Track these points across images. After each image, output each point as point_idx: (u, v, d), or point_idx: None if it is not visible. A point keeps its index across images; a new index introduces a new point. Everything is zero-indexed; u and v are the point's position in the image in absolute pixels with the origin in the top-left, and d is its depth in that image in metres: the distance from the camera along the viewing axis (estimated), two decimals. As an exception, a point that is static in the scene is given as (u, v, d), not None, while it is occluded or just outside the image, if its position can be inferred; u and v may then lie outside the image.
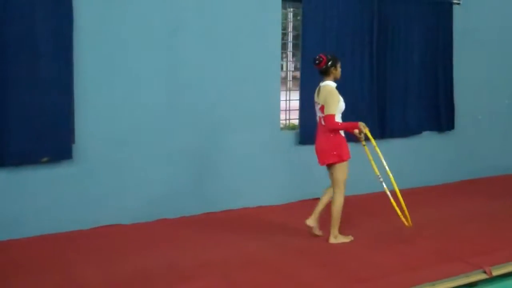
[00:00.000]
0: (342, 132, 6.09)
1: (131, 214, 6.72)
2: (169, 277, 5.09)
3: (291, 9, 8.41)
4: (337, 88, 6.12)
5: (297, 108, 8.08)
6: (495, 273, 5.44)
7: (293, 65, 9.13)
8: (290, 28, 8.54)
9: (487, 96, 9.66)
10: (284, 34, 8.43)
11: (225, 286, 4.93)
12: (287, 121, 8.27)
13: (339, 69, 6.16)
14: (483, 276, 5.37)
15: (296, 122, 8.26)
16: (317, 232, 6.38)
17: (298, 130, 7.99)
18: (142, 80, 6.79)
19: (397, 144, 8.72)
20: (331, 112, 5.91)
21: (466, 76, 9.33)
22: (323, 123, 6.06)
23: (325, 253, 5.85)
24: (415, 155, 8.92)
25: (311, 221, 6.28)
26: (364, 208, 7.62)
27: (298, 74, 8.17)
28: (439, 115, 9.09)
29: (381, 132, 8.50)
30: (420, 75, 8.87)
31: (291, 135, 7.97)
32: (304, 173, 7.95)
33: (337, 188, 6.12)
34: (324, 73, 6.11)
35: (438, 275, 5.18)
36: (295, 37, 8.78)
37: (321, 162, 6.16)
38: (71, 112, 6.35)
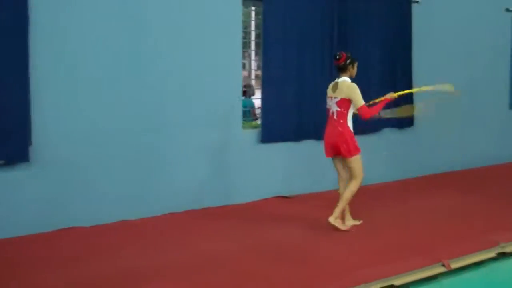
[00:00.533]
0: (351, 127, 6.40)
1: (93, 216, 6.63)
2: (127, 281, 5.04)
3: (253, 8, 8.42)
4: None
5: (259, 106, 8.09)
6: (454, 266, 5.53)
7: (256, 64, 9.14)
8: (252, 27, 8.55)
9: (444, 92, 9.78)
10: (247, 33, 8.45)
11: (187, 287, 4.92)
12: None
13: (355, 68, 6.54)
14: (442, 269, 5.44)
15: (258, 120, 8.27)
16: (353, 222, 6.65)
17: (260, 129, 7.98)
18: (103, 79, 6.70)
19: (358, 141, 8.76)
20: (362, 103, 6.31)
21: (425, 73, 9.44)
22: (335, 117, 6.40)
23: (290, 250, 5.87)
24: (375, 152, 8.99)
25: (333, 219, 6.41)
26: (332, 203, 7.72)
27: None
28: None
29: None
30: (380, 72, 8.96)
31: (253, 134, 7.97)
32: (267, 172, 7.98)
33: (356, 177, 6.45)
34: (342, 70, 6.45)
35: (397, 270, 5.23)
36: (258, 36, 8.79)
37: (338, 153, 6.47)
38: (27, 112, 6.17)
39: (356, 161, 6.44)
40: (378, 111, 6.49)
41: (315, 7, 8.18)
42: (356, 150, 6.43)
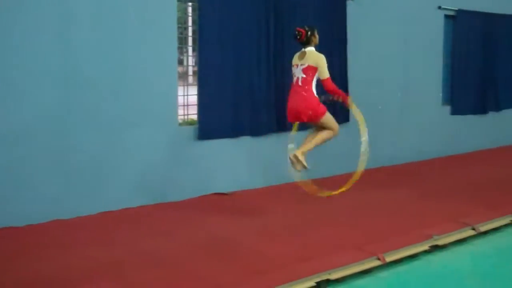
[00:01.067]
0: (315, 93, 6.68)
1: (26, 216, 6.44)
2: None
3: (190, 4, 8.34)
4: None
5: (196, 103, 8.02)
6: (389, 259, 5.61)
7: (193, 60, 9.06)
8: (190, 23, 8.47)
9: (379, 89, 9.95)
10: (184, 29, 8.37)
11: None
12: (186, 117, 8.19)
13: (317, 36, 6.80)
14: (377, 263, 5.52)
15: (195, 117, 8.18)
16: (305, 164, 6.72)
17: (197, 126, 7.91)
18: (34, 77, 6.51)
19: (295, 137, 8.82)
20: (328, 75, 6.64)
21: (359, 70, 9.57)
22: (300, 83, 6.64)
23: (226, 246, 5.85)
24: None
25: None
26: (276, 197, 7.86)
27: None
28: (335, 108, 9.25)
29: (279, 125, 8.57)
30: (317, 69, 9.00)
31: (190, 131, 7.90)
32: (204, 168, 7.93)
33: (331, 129, 6.82)
34: (307, 43, 6.71)
35: (333, 264, 5.28)
36: (195, 32, 8.71)
37: (306, 119, 6.68)
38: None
39: (327, 118, 6.72)
40: (339, 92, 6.82)
41: (251, 3, 8.16)
42: (323, 109, 6.68)
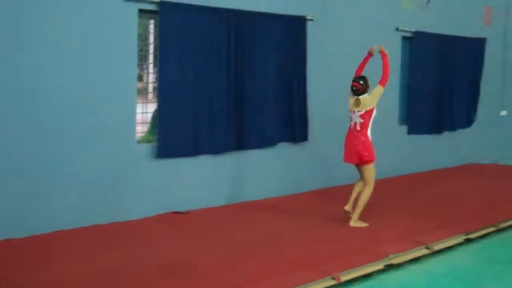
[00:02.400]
0: (370, 137, 7.56)
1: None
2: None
3: (152, 21, 8.34)
4: None
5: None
6: (344, 278, 5.66)
7: (154, 77, 9.03)
8: (151, 40, 8.46)
9: (337, 107, 10.04)
10: (145, 45, 8.35)
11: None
12: (144, 134, 8.16)
13: (369, 83, 7.63)
14: (332, 282, 5.56)
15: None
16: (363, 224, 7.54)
17: (155, 143, 7.89)
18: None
19: (254, 155, 8.89)
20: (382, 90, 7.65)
21: (319, 89, 9.67)
22: (358, 128, 7.51)
23: (179, 266, 5.82)
24: (271, 165, 9.12)
25: (348, 207, 7.67)
26: (234, 216, 7.89)
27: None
28: (294, 126, 9.35)
29: (238, 143, 8.61)
30: (276, 88, 9.09)
31: (149, 148, 7.86)
32: (162, 187, 7.89)
33: (368, 184, 7.61)
34: (362, 94, 7.53)
35: (288, 284, 5.31)
36: (157, 49, 8.70)
37: (359, 160, 7.60)
38: None
39: (370, 169, 7.60)
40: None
41: (212, 21, 8.19)
42: (373, 158, 7.60)
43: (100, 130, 7.27)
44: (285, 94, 9.20)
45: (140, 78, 8.54)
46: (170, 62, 7.83)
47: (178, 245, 6.51)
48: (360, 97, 7.49)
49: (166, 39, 7.80)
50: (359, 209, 7.52)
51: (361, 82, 7.55)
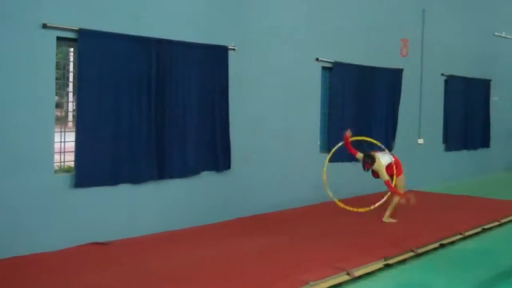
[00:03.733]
0: None
1: None
2: None
3: (72, 49, 8.20)
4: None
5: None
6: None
7: (74, 105, 8.86)
8: (71, 68, 8.31)
9: (260, 136, 10.13)
10: (64, 73, 8.19)
11: None
12: (62, 163, 7.96)
13: (376, 159, 9.42)
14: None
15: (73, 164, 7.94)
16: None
17: (74, 172, 7.71)
18: None
19: (176, 184, 8.81)
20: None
21: (241, 118, 9.72)
22: None
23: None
24: (194, 194, 9.06)
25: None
26: (156, 245, 7.73)
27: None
28: (216, 155, 9.35)
29: (160, 173, 8.53)
30: (199, 117, 9.09)
31: (67, 178, 7.68)
32: (82, 217, 7.71)
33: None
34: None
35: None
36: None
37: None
38: None
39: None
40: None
41: (132, 50, 8.16)
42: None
43: (17, 159, 7.09)
44: (207, 123, 9.21)
45: (60, 106, 8.37)
46: (88, 90, 7.72)
47: (96, 277, 6.35)
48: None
49: (85, 67, 7.70)
50: (391, 207, 9.61)
51: (369, 161, 9.36)
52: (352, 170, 12.05)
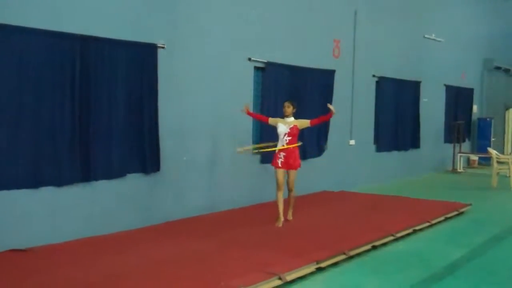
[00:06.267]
0: None
1: None
2: None
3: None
4: None
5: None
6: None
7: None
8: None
9: (190, 137, 9.89)
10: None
11: None
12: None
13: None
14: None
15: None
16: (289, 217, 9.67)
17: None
18: None
19: (102, 186, 8.48)
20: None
21: (171, 119, 9.47)
22: (287, 139, 9.22)
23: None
24: (120, 197, 8.74)
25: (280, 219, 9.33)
26: (79, 252, 7.41)
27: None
28: (145, 157, 9.06)
29: (84, 174, 8.19)
30: (125, 117, 8.79)
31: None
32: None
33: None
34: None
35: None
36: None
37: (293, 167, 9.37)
38: None
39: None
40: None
41: (54, 47, 7.77)
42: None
43: None
44: (134, 123, 8.91)
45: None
46: (5, 88, 7.31)
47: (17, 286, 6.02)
48: (288, 119, 9.26)
49: (2, 64, 7.27)
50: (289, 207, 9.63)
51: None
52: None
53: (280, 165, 9.27)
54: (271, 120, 9.49)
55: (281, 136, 9.27)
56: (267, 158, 11.58)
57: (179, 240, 8.15)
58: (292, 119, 9.33)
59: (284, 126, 9.26)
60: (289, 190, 9.50)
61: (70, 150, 7.96)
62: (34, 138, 7.61)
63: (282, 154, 9.26)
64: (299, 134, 9.43)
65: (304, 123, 9.33)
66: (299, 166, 9.47)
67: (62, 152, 7.87)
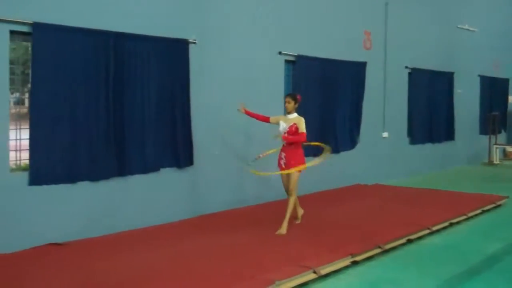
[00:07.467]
0: None
1: None
2: None
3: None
4: None
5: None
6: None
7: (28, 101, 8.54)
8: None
9: (222, 131, 9.91)
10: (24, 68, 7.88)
11: None
12: (18, 162, 7.63)
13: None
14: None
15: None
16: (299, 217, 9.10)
17: (29, 170, 7.41)
18: None
19: (136, 181, 8.56)
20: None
21: (203, 114, 9.50)
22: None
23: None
24: (155, 191, 8.82)
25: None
26: (115, 247, 7.47)
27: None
28: (178, 151, 9.11)
29: (120, 169, 8.29)
30: (158, 112, 8.85)
31: (24, 176, 7.40)
32: (38, 217, 7.44)
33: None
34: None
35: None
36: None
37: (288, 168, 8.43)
38: None
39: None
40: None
41: (89, 43, 7.88)
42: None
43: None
44: (167, 118, 8.97)
45: (22, 103, 8.06)
46: (43, 86, 7.44)
47: (56, 280, 6.12)
48: (290, 116, 8.57)
49: (39, 62, 7.43)
50: (287, 215, 8.46)
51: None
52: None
53: (283, 166, 8.54)
54: (272, 119, 8.77)
55: (281, 135, 8.60)
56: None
57: (212, 234, 8.18)
58: (294, 115, 8.55)
59: (284, 124, 8.52)
60: (287, 194, 8.66)
61: (105, 146, 8.06)
62: (71, 134, 7.73)
63: (283, 154, 8.58)
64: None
65: (301, 129, 8.45)
66: (301, 167, 8.47)
67: (97, 147, 7.97)
